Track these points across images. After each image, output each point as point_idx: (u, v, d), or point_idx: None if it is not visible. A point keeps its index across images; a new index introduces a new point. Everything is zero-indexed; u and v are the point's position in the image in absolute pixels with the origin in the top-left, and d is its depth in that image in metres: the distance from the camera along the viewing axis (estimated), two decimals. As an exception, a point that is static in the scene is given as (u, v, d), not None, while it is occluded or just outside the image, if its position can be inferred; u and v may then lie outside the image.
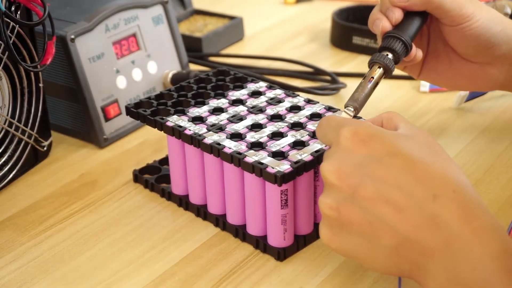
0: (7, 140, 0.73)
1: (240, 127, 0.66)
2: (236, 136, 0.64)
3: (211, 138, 0.64)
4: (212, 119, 0.67)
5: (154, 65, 0.86)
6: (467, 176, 0.51)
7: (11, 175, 0.74)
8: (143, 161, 0.77)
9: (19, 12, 0.70)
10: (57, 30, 0.75)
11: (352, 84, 0.92)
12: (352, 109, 0.62)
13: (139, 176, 0.74)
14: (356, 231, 0.51)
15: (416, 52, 0.69)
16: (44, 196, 0.73)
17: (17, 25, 0.70)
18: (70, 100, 0.81)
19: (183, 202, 0.70)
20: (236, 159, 0.61)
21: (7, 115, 0.73)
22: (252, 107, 0.69)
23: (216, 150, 0.63)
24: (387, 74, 0.66)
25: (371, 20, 0.71)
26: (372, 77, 0.65)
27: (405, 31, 0.68)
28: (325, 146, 0.61)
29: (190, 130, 0.65)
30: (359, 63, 0.99)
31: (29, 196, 0.73)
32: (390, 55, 0.66)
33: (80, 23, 0.79)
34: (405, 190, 0.49)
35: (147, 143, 0.82)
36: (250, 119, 0.67)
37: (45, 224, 0.69)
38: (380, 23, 0.69)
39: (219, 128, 0.65)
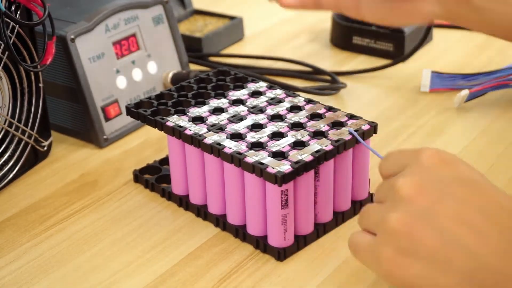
0: (7, 140, 0.73)
1: (240, 127, 0.66)
2: (236, 136, 0.64)
3: (211, 138, 0.64)
4: (212, 119, 0.67)
5: (154, 65, 0.86)
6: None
7: (11, 175, 0.74)
8: (144, 161, 0.77)
9: (19, 12, 0.70)
10: (57, 30, 0.75)
11: (352, 84, 0.92)
12: None
13: (139, 176, 0.74)
14: (426, 251, 0.46)
15: None
16: (44, 196, 0.73)
17: (17, 25, 0.70)
18: (70, 100, 0.81)
19: (183, 202, 0.70)
20: (236, 159, 0.61)
21: (7, 115, 0.73)
22: (253, 107, 0.69)
23: (216, 150, 0.63)
24: None
25: None
26: None
27: None
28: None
29: (190, 130, 0.65)
30: (359, 63, 0.99)
31: (29, 196, 0.73)
32: None
33: (80, 23, 0.79)
34: (488, 215, 0.46)
35: (147, 143, 0.82)
36: (251, 119, 0.67)
37: (45, 224, 0.69)
38: None
39: (219, 128, 0.65)
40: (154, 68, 0.86)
